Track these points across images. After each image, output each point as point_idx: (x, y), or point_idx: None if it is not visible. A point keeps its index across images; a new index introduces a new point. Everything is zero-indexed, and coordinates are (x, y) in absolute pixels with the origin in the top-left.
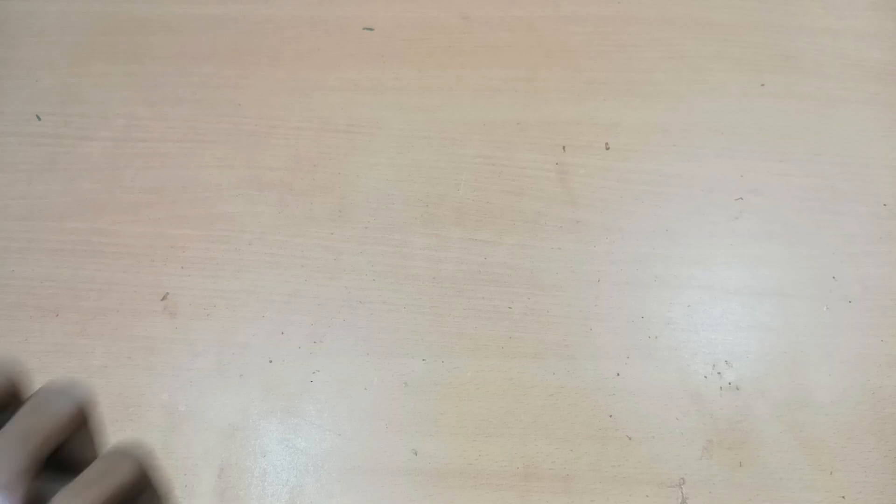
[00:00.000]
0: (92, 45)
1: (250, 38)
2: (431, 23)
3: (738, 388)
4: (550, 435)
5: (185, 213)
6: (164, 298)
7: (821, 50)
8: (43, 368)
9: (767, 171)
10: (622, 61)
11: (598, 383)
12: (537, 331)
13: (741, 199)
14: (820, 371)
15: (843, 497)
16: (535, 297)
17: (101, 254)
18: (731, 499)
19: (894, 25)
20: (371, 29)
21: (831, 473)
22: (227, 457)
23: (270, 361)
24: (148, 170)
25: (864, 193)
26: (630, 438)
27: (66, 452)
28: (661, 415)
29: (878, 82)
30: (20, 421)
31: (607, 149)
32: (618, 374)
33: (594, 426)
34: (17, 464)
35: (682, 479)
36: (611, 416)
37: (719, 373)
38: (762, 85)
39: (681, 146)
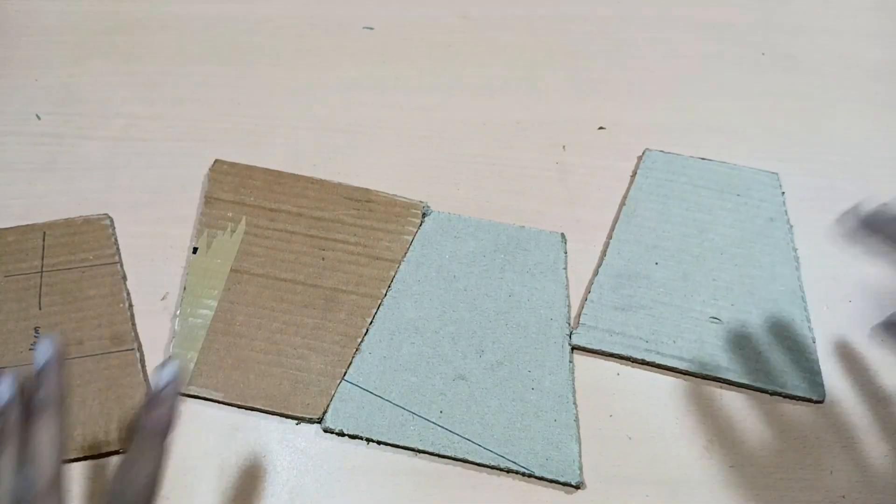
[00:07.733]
0: (92, 44)
1: (250, 37)
2: (431, 22)
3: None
4: None
5: (185, 213)
6: (163, 298)
7: (821, 49)
8: None
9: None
10: (622, 61)
11: (598, 383)
12: None
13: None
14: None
15: (843, 497)
16: None
17: None
18: (731, 499)
19: (894, 25)
20: (371, 28)
21: (831, 473)
22: (228, 457)
23: None
24: (148, 169)
25: (864, 193)
26: (630, 438)
27: None
28: (661, 415)
29: (878, 82)
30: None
31: (608, 148)
32: (618, 374)
33: (594, 426)
34: None
35: (683, 479)
36: (611, 415)
37: None
38: (762, 85)
39: (681, 146)
